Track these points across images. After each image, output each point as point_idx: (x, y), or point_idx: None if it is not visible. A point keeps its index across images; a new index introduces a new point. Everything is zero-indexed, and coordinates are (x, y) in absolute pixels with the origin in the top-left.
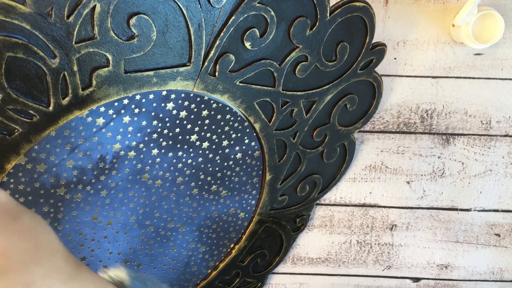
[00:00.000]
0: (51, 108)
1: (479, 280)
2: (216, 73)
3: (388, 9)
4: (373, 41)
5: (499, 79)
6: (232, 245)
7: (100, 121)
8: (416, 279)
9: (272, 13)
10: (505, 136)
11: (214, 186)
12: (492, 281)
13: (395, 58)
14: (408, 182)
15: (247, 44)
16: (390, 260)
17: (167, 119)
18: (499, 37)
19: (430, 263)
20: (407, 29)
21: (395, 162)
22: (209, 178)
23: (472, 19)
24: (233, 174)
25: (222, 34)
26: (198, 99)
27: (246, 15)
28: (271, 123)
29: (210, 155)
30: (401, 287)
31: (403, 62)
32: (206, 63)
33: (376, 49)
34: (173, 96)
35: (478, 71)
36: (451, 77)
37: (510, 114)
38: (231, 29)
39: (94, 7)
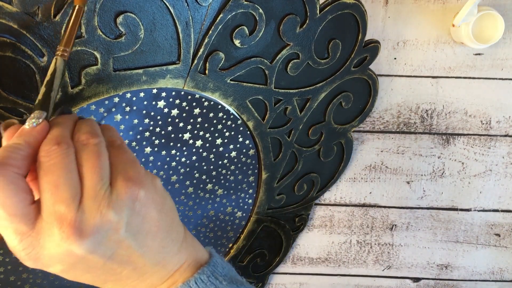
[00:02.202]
0: None
1: (479, 280)
2: (206, 71)
3: (388, 9)
4: (373, 40)
5: (499, 79)
6: (230, 245)
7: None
8: (416, 279)
9: (261, 10)
10: (505, 136)
11: (209, 185)
12: (492, 281)
13: (395, 58)
14: (408, 182)
15: (237, 42)
16: (390, 260)
17: (158, 117)
18: (499, 37)
19: (430, 263)
20: (407, 29)
21: (395, 162)
22: (204, 177)
23: (472, 19)
24: (229, 172)
25: (210, 32)
26: (189, 97)
27: (234, 13)
28: (264, 121)
29: (204, 154)
30: (401, 287)
31: (403, 62)
32: (195, 61)
33: (370, 46)
34: (163, 94)
35: (478, 71)
36: (451, 77)
37: (510, 114)
38: (220, 27)
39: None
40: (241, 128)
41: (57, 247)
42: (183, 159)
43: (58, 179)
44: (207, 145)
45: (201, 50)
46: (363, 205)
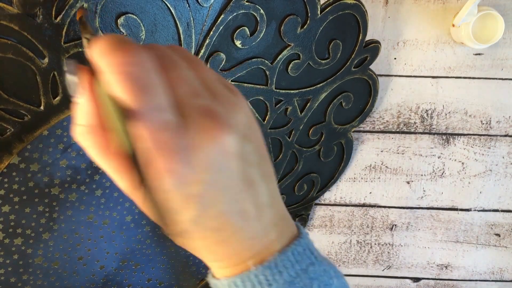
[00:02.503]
0: (42, 107)
1: (479, 280)
2: None
3: (388, 9)
4: (374, 40)
5: (499, 79)
6: None
7: None
8: (416, 279)
9: (262, 11)
10: (505, 136)
11: None
12: (492, 281)
13: (395, 58)
14: (408, 182)
15: (238, 43)
16: (390, 260)
17: None
18: (499, 37)
19: (430, 263)
20: (407, 29)
21: (395, 162)
22: None
23: (472, 19)
24: None
25: (211, 33)
26: None
27: (235, 14)
28: (265, 121)
29: None
30: (401, 287)
31: (403, 62)
32: None
33: (370, 47)
34: None
35: (478, 71)
36: (451, 77)
37: (510, 114)
38: (221, 27)
39: (82, 7)
40: None
41: (211, 143)
42: None
43: (187, 75)
44: None
45: (202, 51)
46: (363, 205)
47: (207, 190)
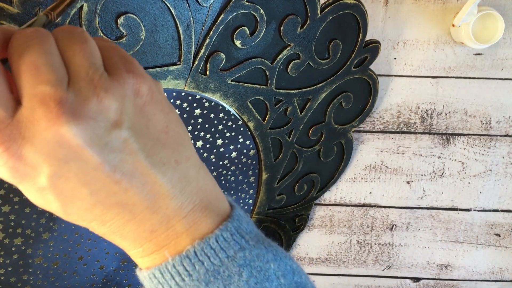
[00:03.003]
0: None
1: (479, 280)
2: (207, 72)
3: (388, 9)
4: (374, 40)
5: (499, 79)
6: None
7: None
8: (416, 279)
9: (262, 11)
10: (505, 136)
11: None
12: (492, 281)
13: (395, 58)
14: (408, 182)
15: (238, 43)
16: (390, 260)
17: None
18: (499, 37)
19: (430, 263)
20: (407, 29)
21: (395, 162)
22: None
23: (472, 19)
24: (229, 173)
25: (211, 32)
26: (190, 98)
27: (235, 14)
28: (265, 121)
29: (205, 154)
30: (401, 287)
31: (403, 62)
32: (196, 62)
33: (370, 47)
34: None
35: (478, 71)
36: (451, 77)
37: (510, 114)
38: (221, 27)
39: (82, 7)
40: (241, 129)
41: (44, 133)
42: None
43: (37, 59)
44: (208, 145)
45: (202, 50)
46: (363, 205)
47: (59, 183)
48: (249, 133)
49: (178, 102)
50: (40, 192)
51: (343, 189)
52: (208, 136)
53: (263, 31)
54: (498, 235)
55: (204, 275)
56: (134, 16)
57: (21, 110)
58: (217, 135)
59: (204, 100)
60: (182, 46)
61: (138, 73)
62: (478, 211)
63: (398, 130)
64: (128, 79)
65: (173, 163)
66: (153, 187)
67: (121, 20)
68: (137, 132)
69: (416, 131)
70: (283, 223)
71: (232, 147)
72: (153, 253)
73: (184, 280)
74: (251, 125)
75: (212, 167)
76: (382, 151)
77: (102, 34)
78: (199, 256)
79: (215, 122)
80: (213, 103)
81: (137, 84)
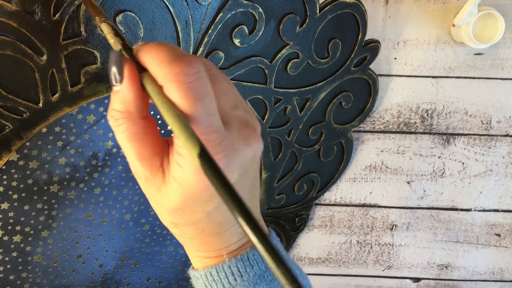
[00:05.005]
0: (40, 105)
1: (479, 280)
2: None
3: (388, 9)
4: (373, 40)
5: (500, 79)
6: None
7: (91, 118)
8: (416, 279)
9: (260, 10)
10: (506, 136)
11: None
12: (493, 281)
13: (395, 58)
14: (408, 182)
15: (236, 41)
16: (390, 260)
17: (158, 116)
18: (499, 37)
19: (430, 263)
20: (407, 29)
21: (395, 162)
22: None
23: (472, 19)
24: None
25: (210, 31)
26: None
27: (234, 12)
28: (264, 120)
29: None
30: (401, 287)
31: (403, 62)
32: None
33: (370, 46)
34: None
35: (478, 71)
36: (451, 77)
37: (510, 114)
38: (219, 26)
39: (80, 4)
40: None
41: (248, 150)
42: None
43: (224, 87)
44: None
45: (201, 49)
46: (363, 205)
47: (237, 184)
48: None
49: None
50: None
51: (343, 189)
52: None
53: (262, 30)
54: (499, 235)
55: (253, 277)
56: (133, 14)
57: (231, 126)
58: None
59: None
60: (181, 45)
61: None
62: (479, 211)
63: (398, 130)
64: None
65: (256, 192)
66: (254, 200)
67: (119, 18)
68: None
69: (416, 131)
70: (283, 223)
71: None
72: (213, 256)
73: (236, 280)
74: None
75: None
76: (382, 151)
77: (101, 32)
78: (250, 261)
79: None
80: None
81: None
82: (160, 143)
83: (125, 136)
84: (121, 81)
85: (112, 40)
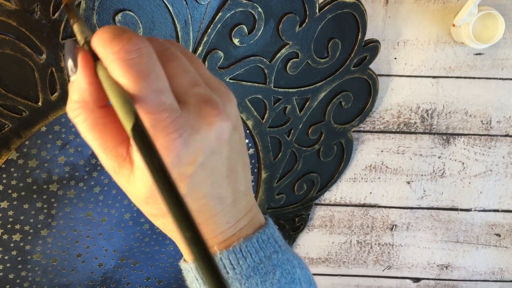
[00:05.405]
0: (40, 103)
1: (480, 280)
2: None
3: (388, 9)
4: (373, 40)
5: (500, 79)
6: None
7: None
8: (417, 279)
9: (260, 9)
10: (506, 136)
11: None
12: (493, 281)
13: (395, 58)
14: (408, 182)
15: (236, 41)
16: (390, 260)
17: None
18: (499, 37)
19: (430, 263)
20: (407, 29)
21: (395, 162)
22: None
23: (472, 19)
24: None
25: (209, 30)
26: None
27: (233, 12)
28: (264, 120)
29: None
30: (401, 287)
31: (403, 62)
32: None
33: (370, 46)
34: None
35: (478, 71)
36: (451, 77)
37: (510, 114)
38: (219, 25)
39: (79, 4)
40: None
41: (209, 127)
42: None
43: (186, 65)
44: None
45: (200, 48)
46: (363, 205)
47: (198, 172)
48: (247, 131)
49: None
50: (178, 177)
51: (343, 189)
52: None
53: (261, 29)
54: (499, 235)
55: (246, 270)
56: (132, 13)
57: (188, 105)
58: None
59: None
60: (180, 44)
61: (229, 93)
62: (479, 211)
63: (398, 130)
64: (230, 91)
65: (248, 166)
66: (239, 185)
67: (118, 17)
68: (240, 135)
69: (416, 131)
70: (282, 223)
71: None
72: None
73: (228, 273)
74: (249, 123)
75: None
76: (382, 151)
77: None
78: (243, 253)
79: None
80: None
81: (234, 105)
82: (125, 133)
83: (85, 127)
84: (75, 71)
85: (79, 37)
